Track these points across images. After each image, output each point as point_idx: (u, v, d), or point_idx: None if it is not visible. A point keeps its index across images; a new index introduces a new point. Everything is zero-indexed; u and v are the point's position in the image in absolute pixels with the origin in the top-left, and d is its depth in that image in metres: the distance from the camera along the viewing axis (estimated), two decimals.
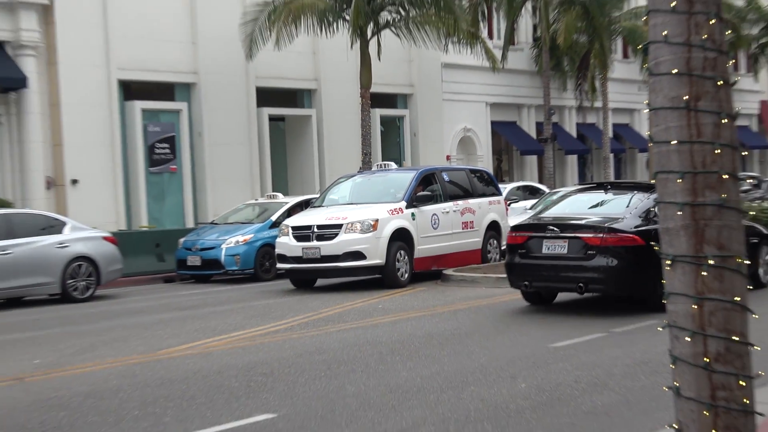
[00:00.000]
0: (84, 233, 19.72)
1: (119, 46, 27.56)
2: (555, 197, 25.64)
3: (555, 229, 15.36)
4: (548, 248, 15.19)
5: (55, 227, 19.32)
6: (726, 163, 3.78)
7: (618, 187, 19.52)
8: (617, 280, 14.70)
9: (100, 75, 27.24)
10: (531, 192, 29.84)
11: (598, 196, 16.91)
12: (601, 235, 14.53)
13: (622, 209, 15.36)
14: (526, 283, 15.21)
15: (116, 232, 22.72)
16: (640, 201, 15.43)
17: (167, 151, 28.95)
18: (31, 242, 18.54)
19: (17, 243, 18.28)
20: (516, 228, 16.64)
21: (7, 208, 21.68)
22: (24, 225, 18.99)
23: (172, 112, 29.15)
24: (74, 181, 26.39)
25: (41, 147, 26.13)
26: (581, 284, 14.85)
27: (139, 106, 28.24)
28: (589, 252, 14.60)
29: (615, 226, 14.65)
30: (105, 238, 20.13)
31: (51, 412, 8.91)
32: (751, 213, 19.08)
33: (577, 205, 16.86)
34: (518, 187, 29.93)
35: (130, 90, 28.35)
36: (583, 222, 15.48)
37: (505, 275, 19.39)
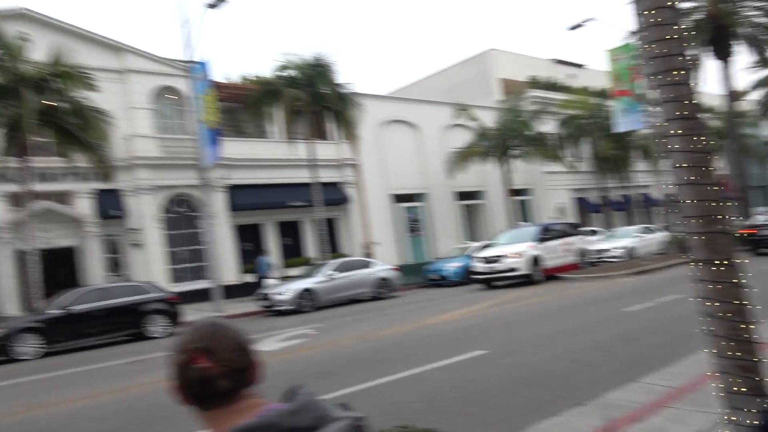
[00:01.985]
0: (383, 267, 20.21)
1: (391, 179, 28.47)
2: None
3: None
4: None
5: (369, 264, 19.91)
6: (719, 210, 3.49)
7: None
8: None
9: (383, 193, 28.17)
10: (594, 233, 27.85)
11: None
12: None
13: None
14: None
15: (398, 264, 23.12)
16: None
17: (417, 225, 29.43)
18: (359, 273, 19.10)
19: (353, 273, 18.91)
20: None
21: (345, 257, 22.53)
22: (355, 264, 19.68)
23: (417, 207, 29.68)
24: (377, 243, 27.22)
25: (359, 227, 27.20)
26: None
27: (402, 205, 28.93)
28: None
29: None
30: (392, 268, 20.57)
31: (377, 352, 9.13)
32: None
33: None
34: (589, 230, 27.91)
35: (397, 198, 29.00)
36: None
37: (590, 275, 18.56)
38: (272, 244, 24.95)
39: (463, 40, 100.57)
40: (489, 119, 28.81)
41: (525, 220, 30.29)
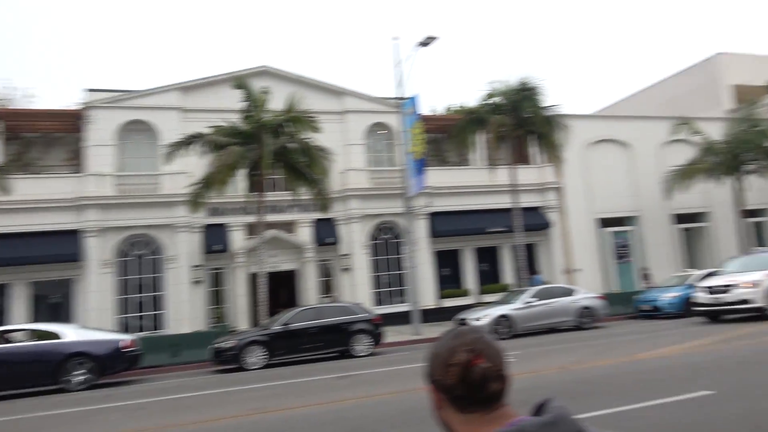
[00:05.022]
0: (586, 295, 18.98)
1: (597, 203, 26.84)
2: None
3: None
4: None
5: (571, 292, 18.85)
6: None
7: None
8: None
9: (588, 217, 26.64)
10: None
11: None
12: None
13: None
14: None
15: (603, 293, 21.36)
16: None
17: (625, 251, 27.12)
18: (560, 301, 18.18)
19: (553, 301, 18.06)
20: None
21: (545, 284, 21.61)
22: (555, 291, 18.78)
23: (626, 232, 27.36)
24: (578, 270, 25.74)
25: (560, 253, 26.02)
26: None
27: (608, 230, 26.99)
28: None
29: None
30: (597, 297, 19.19)
31: (582, 384, 8.53)
32: None
33: None
34: None
35: (604, 222, 27.12)
36: None
37: None
38: (469, 269, 25.08)
39: (679, 49, 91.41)
40: (716, 132, 25.60)
41: (760, 245, 25.99)
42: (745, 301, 15.73)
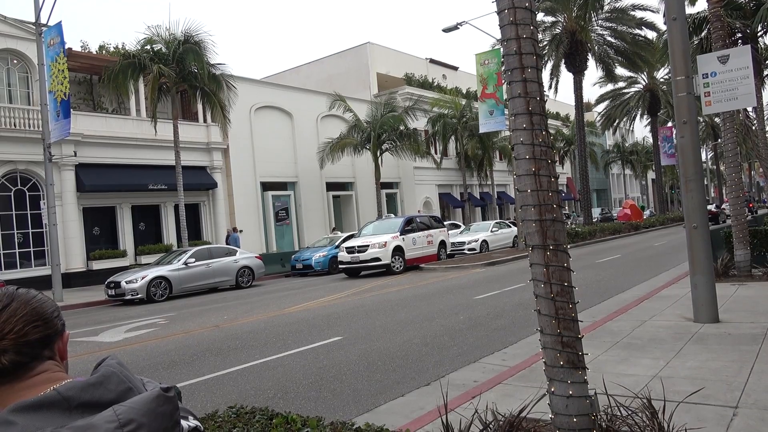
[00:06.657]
0: (246, 255, 19.60)
1: (260, 166, 27.73)
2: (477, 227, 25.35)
3: None
4: None
5: (232, 253, 19.22)
6: (555, 200, 3.71)
7: None
8: None
9: (251, 180, 27.37)
10: (456, 227, 29.47)
11: None
12: None
13: None
14: None
15: (261, 254, 22.48)
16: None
17: (285, 214, 28.93)
18: (220, 261, 18.38)
19: (213, 261, 18.16)
20: None
21: (209, 244, 21.54)
22: (218, 252, 18.90)
23: (286, 196, 29.17)
24: (241, 231, 26.38)
25: (224, 214, 26.20)
26: None
27: (270, 193, 28.27)
28: None
29: None
30: (256, 257, 19.99)
31: (232, 340, 8.79)
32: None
33: None
34: (451, 224, 29.31)
35: (266, 186, 28.33)
36: None
37: (448, 266, 19.41)
38: (126, 228, 23.19)
39: (342, 31, 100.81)
40: (364, 112, 29.05)
41: (393, 213, 31.08)
42: (377, 259, 18.60)
